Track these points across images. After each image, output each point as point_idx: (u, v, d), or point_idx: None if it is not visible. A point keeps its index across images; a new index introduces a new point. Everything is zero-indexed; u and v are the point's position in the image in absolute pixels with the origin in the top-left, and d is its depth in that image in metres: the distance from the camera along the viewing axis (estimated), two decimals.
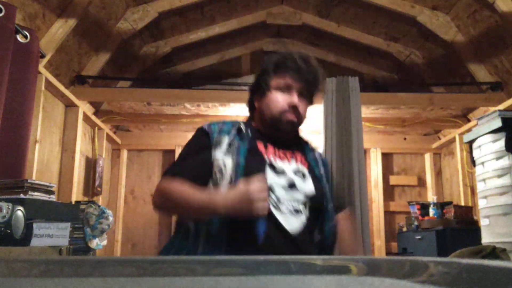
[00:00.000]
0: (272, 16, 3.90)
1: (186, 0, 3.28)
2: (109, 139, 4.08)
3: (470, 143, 2.81)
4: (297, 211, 1.19)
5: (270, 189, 1.16)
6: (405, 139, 4.40)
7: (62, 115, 3.20)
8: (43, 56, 2.60)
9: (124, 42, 3.43)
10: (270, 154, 1.26)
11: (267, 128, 1.33)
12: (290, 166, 1.27)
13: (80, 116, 3.28)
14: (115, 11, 3.12)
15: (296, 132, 1.37)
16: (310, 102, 1.36)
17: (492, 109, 3.05)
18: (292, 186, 1.21)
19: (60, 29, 2.70)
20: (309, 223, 1.21)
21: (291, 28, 4.11)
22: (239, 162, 1.19)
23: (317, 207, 1.25)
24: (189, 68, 4.32)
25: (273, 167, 1.23)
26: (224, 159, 1.21)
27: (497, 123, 2.51)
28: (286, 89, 1.30)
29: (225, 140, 1.25)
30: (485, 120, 2.68)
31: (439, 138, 4.31)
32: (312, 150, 1.41)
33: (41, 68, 2.62)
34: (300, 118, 1.31)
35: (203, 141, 1.29)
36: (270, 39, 4.38)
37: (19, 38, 2.28)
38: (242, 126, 1.31)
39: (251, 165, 1.19)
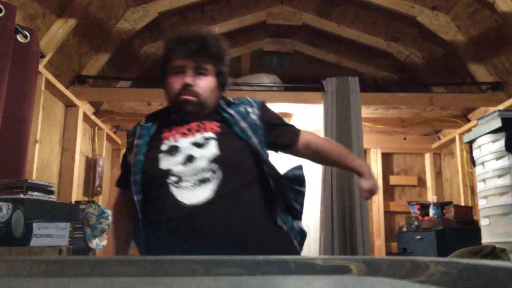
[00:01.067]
0: (272, 16, 3.90)
1: (186, 0, 3.28)
2: (109, 139, 4.08)
3: (470, 143, 2.81)
4: (203, 181, 1.18)
5: (168, 172, 1.20)
6: (405, 139, 4.40)
7: (62, 115, 3.20)
8: (43, 56, 2.60)
9: (124, 42, 3.43)
10: (171, 136, 1.27)
11: (175, 112, 1.36)
12: (190, 139, 1.26)
13: (80, 116, 3.28)
14: (115, 11, 3.12)
15: (202, 109, 1.31)
16: (217, 75, 1.36)
17: (492, 109, 3.05)
18: (189, 159, 1.21)
19: (60, 29, 2.70)
20: (227, 183, 1.19)
21: (291, 28, 4.11)
22: (137, 158, 1.26)
23: (231, 164, 1.23)
24: None
25: (168, 151, 1.24)
26: (130, 160, 1.30)
27: (497, 123, 2.51)
28: (180, 71, 1.30)
29: (135, 142, 1.32)
30: (485, 120, 2.68)
31: (439, 138, 4.31)
32: (231, 108, 1.37)
33: (41, 68, 2.62)
34: (199, 95, 1.29)
35: (126, 147, 1.40)
36: (270, 39, 4.38)
37: (19, 38, 2.28)
38: (142, 122, 1.39)
39: (147, 158, 1.25)
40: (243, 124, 1.30)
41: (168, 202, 1.17)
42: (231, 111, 1.34)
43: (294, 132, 1.42)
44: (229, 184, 1.19)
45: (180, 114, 1.33)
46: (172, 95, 1.32)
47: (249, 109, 1.36)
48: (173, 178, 1.19)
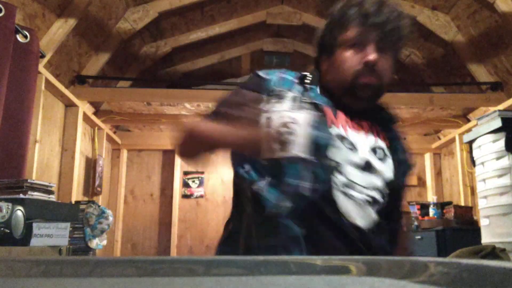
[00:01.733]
0: (272, 16, 3.90)
1: (186, 0, 3.28)
2: (109, 139, 4.08)
3: (470, 143, 2.81)
4: (369, 202, 0.92)
5: (338, 167, 0.90)
6: (405, 139, 4.38)
7: (62, 115, 3.20)
8: (43, 56, 2.60)
9: (124, 42, 3.43)
10: (340, 124, 0.96)
11: (339, 94, 1.01)
12: (367, 140, 0.98)
13: (80, 116, 3.28)
14: (115, 11, 3.12)
15: (378, 98, 1.03)
16: (395, 57, 1.04)
17: (492, 109, 3.05)
18: (369, 167, 0.93)
19: (60, 29, 2.70)
20: (381, 218, 0.94)
21: (291, 28, 4.11)
22: (319, 122, 0.91)
23: (393, 198, 0.98)
24: (189, 68, 4.32)
25: (344, 142, 0.93)
26: (290, 115, 0.87)
27: (497, 123, 2.51)
28: (360, 43, 0.97)
29: (288, 94, 0.97)
30: (485, 120, 2.68)
31: (439, 138, 4.31)
32: (394, 122, 1.11)
33: (41, 68, 2.62)
34: (381, 79, 0.98)
35: (255, 84, 1.01)
36: (270, 39, 4.38)
37: (19, 38, 2.28)
38: (308, 80, 1.02)
39: (317, 133, 0.89)
40: (402, 154, 1.05)
41: (327, 207, 0.88)
42: (398, 130, 1.08)
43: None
44: (382, 217, 0.95)
45: (351, 98, 0.99)
46: (347, 75, 0.97)
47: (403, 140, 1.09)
48: (340, 178, 0.90)
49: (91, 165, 3.67)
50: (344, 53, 0.98)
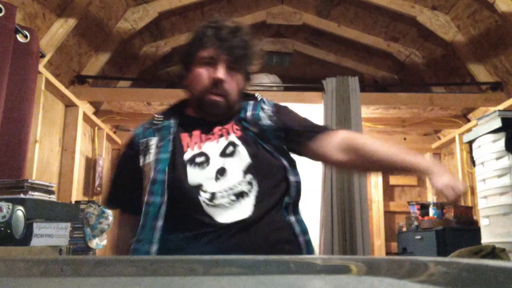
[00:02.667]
0: (272, 16, 3.90)
1: (186, 0, 3.28)
2: (109, 139, 4.08)
3: (470, 143, 2.81)
4: (240, 195, 1.05)
5: (199, 188, 1.05)
6: (405, 139, 4.40)
7: (62, 115, 3.20)
8: (43, 56, 2.60)
9: (124, 42, 3.43)
10: (194, 143, 1.12)
11: (195, 108, 1.19)
12: (217, 146, 1.11)
13: (80, 116, 3.28)
14: (115, 11, 3.12)
15: (228, 111, 1.16)
16: (245, 78, 1.19)
17: (492, 109, 3.05)
18: (221, 172, 1.07)
19: (60, 29, 2.70)
20: (264, 196, 1.06)
21: (291, 28, 4.11)
22: (161, 157, 1.09)
23: (264, 173, 1.10)
24: None
25: (196, 162, 1.08)
26: (151, 162, 1.09)
27: (497, 123, 2.51)
28: (211, 62, 1.12)
29: (152, 141, 1.13)
30: (485, 120, 2.68)
31: (439, 138, 4.31)
32: (251, 107, 1.21)
33: (41, 68, 2.62)
34: (227, 96, 1.13)
35: (126, 152, 1.19)
36: (270, 39, 4.38)
37: (19, 38, 2.28)
38: (156, 120, 1.18)
39: (172, 168, 1.07)
40: (258, 127, 1.17)
41: (201, 220, 1.02)
42: (247, 112, 1.20)
43: (318, 131, 1.20)
44: (266, 197, 1.07)
45: (203, 114, 1.17)
46: (198, 89, 1.14)
47: (264, 110, 1.21)
48: (204, 195, 1.04)
49: (91, 165, 3.67)
50: (198, 69, 1.14)
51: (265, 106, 1.23)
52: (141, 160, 1.13)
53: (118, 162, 1.24)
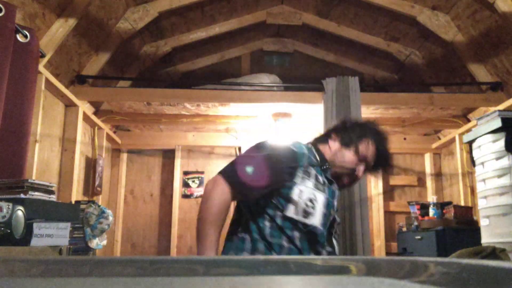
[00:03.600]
0: (272, 16, 3.90)
1: (186, 0, 3.28)
2: (109, 139, 4.08)
3: (470, 143, 2.81)
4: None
5: (333, 224, 1.51)
6: (405, 139, 4.40)
7: (62, 115, 3.20)
8: (43, 56, 2.60)
9: (124, 42, 3.43)
10: (327, 193, 1.50)
11: (331, 165, 1.56)
12: (332, 201, 1.51)
13: (80, 116, 3.28)
14: (115, 11, 3.12)
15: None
16: (370, 172, 1.62)
17: (492, 109, 3.05)
18: (333, 221, 1.52)
19: (60, 29, 2.70)
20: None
21: (291, 28, 4.11)
22: (329, 201, 1.47)
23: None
24: (189, 68, 4.32)
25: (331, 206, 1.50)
26: (314, 192, 1.44)
27: (497, 123, 2.51)
28: (363, 162, 1.54)
29: (312, 171, 1.47)
30: (485, 120, 2.68)
31: (439, 138, 4.31)
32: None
33: (41, 67, 2.62)
34: (351, 184, 1.60)
35: (289, 158, 1.46)
36: (270, 39, 4.38)
37: (19, 37, 2.28)
38: (317, 160, 1.54)
39: (325, 211, 1.45)
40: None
41: (319, 245, 1.44)
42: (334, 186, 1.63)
43: None
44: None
45: (333, 176, 1.56)
46: (345, 166, 1.55)
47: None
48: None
49: (91, 165, 3.67)
50: (353, 156, 1.54)
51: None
52: (302, 181, 1.48)
53: (279, 157, 1.51)
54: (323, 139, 1.62)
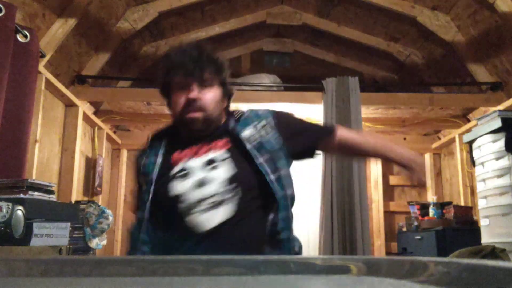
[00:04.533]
0: (272, 16, 3.90)
1: (186, 0, 3.28)
2: (109, 138, 4.08)
3: (470, 143, 2.81)
4: (216, 205, 1.16)
5: (179, 198, 1.18)
6: (405, 139, 4.40)
7: (62, 115, 3.20)
8: (43, 56, 2.60)
9: (124, 42, 3.43)
10: (182, 158, 1.25)
11: (181, 129, 1.32)
12: (201, 160, 1.23)
13: (80, 116, 3.28)
14: (115, 11, 3.12)
15: (209, 123, 1.28)
16: (222, 89, 1.32)
17: (492, 109, 3.05)
18: (201, 184, 1.19)
19: (60, 29, 2.70)
20: (244, 205, 1.17)
21: (291, 28, 4.11)
22: (149, 178, 1.25)
23: (248, 184, 1.20)
24: None
25: (180, 175, 1.21)
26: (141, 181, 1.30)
27: (497, 124, 2.51)
28: (184, 86, 1.25)
29: (146, 161, 1.31)
30: (485, 120, 2.68)
31: (439, 138, 4.31)
32: (240, 124, 1.30)
33: (41, 67, 2.62)
34: (205, 109, 1.24)
35: (135, 170, 1.40)
36: (270, 39, 4.38)
37: (19, 37, 2.28)
38: (150, 140, 1.36)
39: (158, 181, 1.23)
40: (251, 144, 1.25)
41: (179, 229, 1.18)
42: (240, 128, 1.29)
43: (317, 135, 1.38)
44: (244, 204, 1.18)
45: (188, 132, 1.29)
46: (177, 113, 1.27)
47: (262, 123, 1.31)
48: (182, 205, 1.18)
49: (91, 165, 3.67)
50: (175, 95, 1.28)
51: (261, 116, 1.34)
52: (140, 178, 1.32)
53: (135, 176, 1.41)
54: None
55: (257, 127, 1.29)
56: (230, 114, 1.37)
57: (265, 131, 1.28)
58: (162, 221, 1.21)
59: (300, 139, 1.33)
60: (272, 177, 1.21)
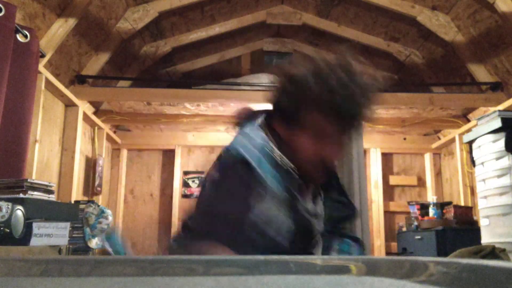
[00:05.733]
0: (272, 16, 3.90)
1: (186, 0, 3.28)
2: (109, 138, 4.08)
3: (470, 143, 2.81)
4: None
5: (314, 236, 1.04)
6: (405, 139, 4.40)
7: (62, 115, 3.20)
8: (43, 56, 2.60)
9: (124, 42, 3.43)
10: (305, 198, 1.02)
11: (299, 165, 1.00)
12: (314, 208, 1.07)
13: (80, 116, 3.28)
14: (115, 10, 3.12)
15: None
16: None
17: (492, 109, 3.05)
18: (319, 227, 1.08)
19: (60, 29, 2.70)
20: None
21: (291, 28, 4.11)
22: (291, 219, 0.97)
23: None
24: (189, 67, 4.32)
25: (313, 214, 1.03)
26: (274, 209, 0.94)
27: (497, 123, 2.51)
28: (338, 139, 1.01)
29: (270, 178, 0.94)
30: (485, 120, 2.68)
31: (439, 138, 4.31)
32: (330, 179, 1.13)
33: (41, 67, 2.62)
34: (334, 164, 1.05)
35: (246, 182, 0.93)
36: (270, 39, 4.38)
37: (19, 37, 2.28)
38: (278, 159, 0.97)
39: (300, 221, 0.97)
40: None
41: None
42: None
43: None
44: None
45: (315, 177, 1.06)
46: (304, 159, 0.99)
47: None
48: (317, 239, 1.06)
49: (91, 165, 3.67)
50: (319, 141, 0.99)
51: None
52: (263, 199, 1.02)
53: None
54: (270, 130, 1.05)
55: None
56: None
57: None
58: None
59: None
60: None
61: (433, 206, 3.56)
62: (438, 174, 4.37)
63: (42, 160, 2.85)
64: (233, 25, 3.88)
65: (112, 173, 4.25)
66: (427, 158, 4.39)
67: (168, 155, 4.38)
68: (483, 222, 2.61)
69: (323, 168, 1.01)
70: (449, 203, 3.61)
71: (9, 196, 1.76)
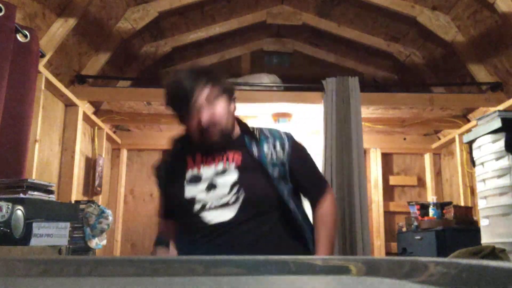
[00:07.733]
0: (272, 16, 3.90)
1: (186, 0, 3.28)
2: (109, 138, 4.07)
3: (470, 143, 2.81)
4: (223, 205, 1.30)
5: (193, 200, 1.32)
6: (405, 139, 4.40)
7: (62, 115, 3.20)
8: (43, 56, 2.60)
9: (124, 42, 3.43)
10: (196, 165, 1.38)
11: (196, 141, 1.38)
12: (215, 169, 1.35)
13: (80, 116, 3.28)
14: (115, 10, 3.12)
15: (224, 133, 1.36)
16: (223, 92, 1.36)
17: (492, 109, 3.05)
18: (211, 187, 1.33)
19: (60, 29, 2.70)
20: (248, 207, 1.29)
21: (291, 28, 4.11)
22: (166, 190, 1.45)
23: (251, 190, 1.32)
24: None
25: (193, 179, 1.36)
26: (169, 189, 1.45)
27: (497, 124, 2.51)
28: (193, 113, 1.32)
29: (170, 165, 1.47)
30: (485, 120, 2.68)
31: (439, 139, 4.31)
32: (258, 140, 1.41)
33: (41, 67, 2.62)
34: (218, 125, 1.32)
35: (156, 177, 1.52)
36: (270, 39, 4.38)
37: (19, 37, 2.28)
38: (172, 148, 1.48)
39: (175, 186, 1.38)
40: (267, 158, 1.36)
41: (195, 224, 1.31)
42: (254, 144, 1.39)
43: (317, 189, 1.47)
44: (250, 208, 1.30)
45: (205, 142, 1.36)
46: (194, 135, 1.36)
47: (278, 144, 1.41)
48: (197, 205, 1.32)
49: (91, 164, 3.67)
50: (187, 123, 1.35)
51: (283, 139, 1.43)
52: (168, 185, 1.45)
53: (157, 183, 1.53)
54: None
55: (273, 146, 1.40)
56: (243, 126, 1.45)
57: (279, 153, 1.39)
58: (179, 219, 1.39)
59: (296, 178, 1.42)
60: (285, 192, 1.35)
61: (433, 206, 3.55)
62: (438, 174, 4.37)
63: (42, 160, 2.85)
64: (233, 25, 3.88)
65: (112, 173, 4.25)
66: (427, 158, 4.39)
67: None
68: (483, 222, 2.61)
69: (202, 131, 1.32)
70: (449, 203, 3.61)
71: (9, 196, 1.76)
